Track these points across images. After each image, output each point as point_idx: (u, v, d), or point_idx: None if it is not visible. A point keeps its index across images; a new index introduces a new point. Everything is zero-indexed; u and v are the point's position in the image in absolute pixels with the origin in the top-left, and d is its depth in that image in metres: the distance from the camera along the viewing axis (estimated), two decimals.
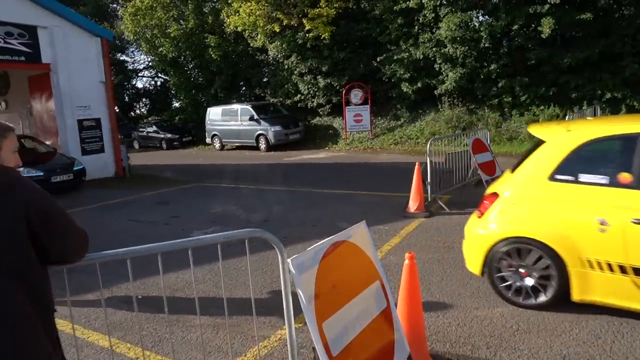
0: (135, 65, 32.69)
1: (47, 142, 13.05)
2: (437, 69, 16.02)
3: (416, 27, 16.30)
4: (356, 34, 17.79)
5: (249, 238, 2.44)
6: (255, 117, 18.81)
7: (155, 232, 7.32)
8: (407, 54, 16.14)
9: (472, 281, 4.44)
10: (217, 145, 21.05)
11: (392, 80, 17.29)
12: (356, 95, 17.63)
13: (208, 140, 21.49)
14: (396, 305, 3.07)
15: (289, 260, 2.09)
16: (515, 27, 14.20)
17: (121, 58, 31.66)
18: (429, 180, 7.37)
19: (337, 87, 18.51)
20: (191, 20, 21.79)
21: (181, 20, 22.24)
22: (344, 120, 18.08)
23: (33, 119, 14.56)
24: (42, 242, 1.67)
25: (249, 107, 19.35)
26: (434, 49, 15.66)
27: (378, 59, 17.15)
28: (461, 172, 8.33)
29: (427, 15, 15.72)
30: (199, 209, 8.77)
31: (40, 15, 12.27)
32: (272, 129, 18.39)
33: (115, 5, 29.20)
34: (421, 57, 15.86)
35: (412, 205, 7.18)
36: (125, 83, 32.16)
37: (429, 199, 7.45)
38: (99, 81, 13.76)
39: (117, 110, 31.57)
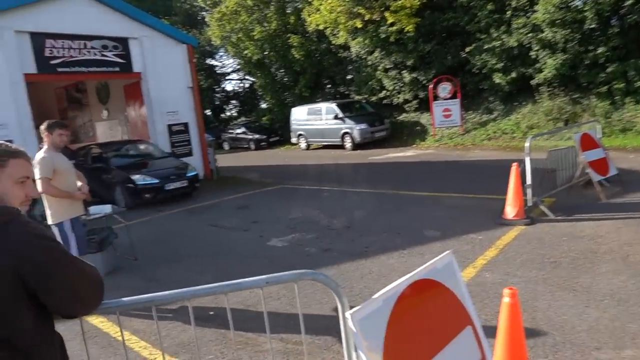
0: (224, 69, 33.82)
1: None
2: (534, 56, 14.60)
3: (508, 12, 14.98)
4: (442, 24, 16.76)
5: (299, 282, 1.97)
6: (340, 115, 18.49)
7: (233, 239, 7.18)
8: (499, 42, 14.89)
9: (590, 310, 3.68)
10: (303, 144, 21.04)
11: (483, 72, 16.08)
12: (444, 89, 16.65)
13: (294, 140, 21.56)
14: (492, 350, 2.50)
15: (348, 314, 1.61)
16: (629, 2, 12.50)
17: (211, 63, 32.87)
18: (528, 183, 6.51)
19: (424, 82, 17.62)
20: (274, 21, 21.96)
21: (264, 22, 22.48)
22: (431, 116, 17.18)
23: (129, 126, 15.36)
24: (42, 300, 1.36)
25: (333, 106, 19.08)
26: (529, 34, 14.29)
27: (467, 50, 16.04)
28: (567, 170, 7.34)
29: None
30: (280, 213, 8.55)
31: (130, 27, 12.83)
32: (357, 127, 17.96)
33: (204, 13, 30.33)
34: (515, 44, 14.54)
35: (510, 211, 6.38)
36: (215, 87, 33.36)
37: (530, 204, 6.59)
38: (186, 87, 14.17)
39: (209, 113, 33.07)
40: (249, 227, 7.72)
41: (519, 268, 4.73)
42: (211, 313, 4.49)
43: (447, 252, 2.20)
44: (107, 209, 6.33)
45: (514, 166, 6.47)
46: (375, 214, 7.82)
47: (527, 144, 6.58)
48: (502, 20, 15.14)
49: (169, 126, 13.90)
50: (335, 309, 4.30)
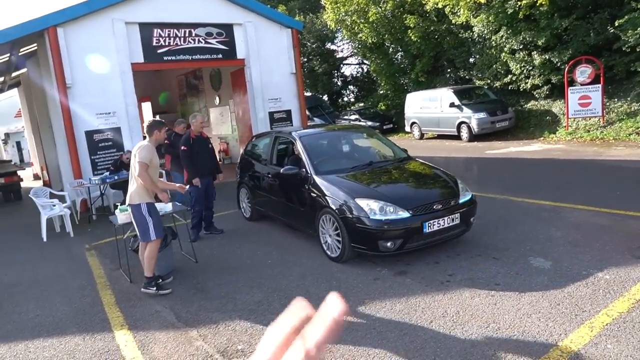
0: (342, 53, 33.16)
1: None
2: None
3: None
4: None
5: None
6: (457, 103, 16.73)
7: (305, 247, 6.35)
8: None
9: None
10: (416, 133, 19.63)
11: (638, 50, 13.20)
12: (583, 72, 14.03)
13: (407, 128, 20.25)
14: None
15: None
16: None
17: (331, 48, 32.38)
18: None
19: (558, 64, 15.09)
20: (390, 1, 20.58)
21: (380, 3, 21.22)
22: (565, 104, 14.68)
23: (235, 113, 15.38)
24: None
25: (450, 92, 17.35)
26: None
27: (617, 23, 13.25)
28: None
29: None
30: None
31: (235, 13, 12.58)
32: (476, 116, 16.10)
33: None
34: None
35: None
36: (334, 71, 32.87)
37: None
38: (289, 73, 13.67)
39: (326, 99, 32.74)
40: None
41: None
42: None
43: None
44: (167, 207, 5.92)
45: None
46: (474, 226, 6.43)
47: None
48: None
49: (271, 113, 13.55)
50: None
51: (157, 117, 19.83)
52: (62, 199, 9.30)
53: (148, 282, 5.13)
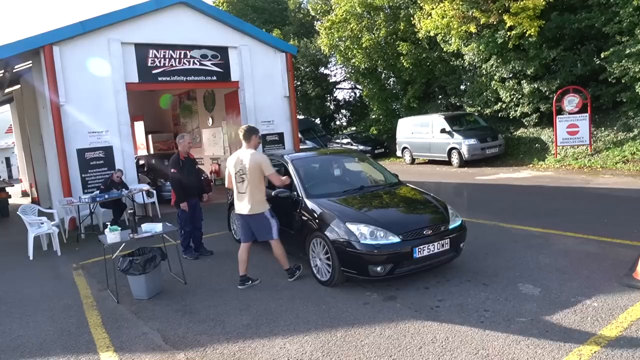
0: (336, 77, 33.58)
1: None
2: None
3: None
4: (572, 27, 14.44)
5: None
6: (448, 129, 16.98)
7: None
8: None
9: None
10: (408, 158, 19.80)
11: (623, 81, 13.52)
12: (571, 101, 14.34)
13: (399, 153, 20.42)
14: None
15: None
16: None
17: (324, 72, 32.80)
18: None
19: (547, 93, 15.41)
20: (383, 28, 20.99)
21: (373, 30, 21.62)
22: (554, 132, 14.94)
23: (227, 134, 15.44)
24: None
25: (441, 118, 17.61)
26: None
27: (602, 55, 13.62)
28: None
29: None
30: None
31: (230, 36, 12.74)
32: (466, 143, 16.32)
33: (317, 22, 30.39)
34: None
35: None
36: (327, 95, 33.22)
37: None
38: (282, 96, 13.81)
39: (318, 122, 32.99)
40: None
41: None
42: None
43: None
44: (157, 227, 5.90)
45: None
46: (464, 252, 6.44)
47: None
48: None
49: (263, 136, 13.57)
50: None
51: (150, 137, 19.93)
52: (50, 216, 9.20)
53: (291, 271, 5.83)
